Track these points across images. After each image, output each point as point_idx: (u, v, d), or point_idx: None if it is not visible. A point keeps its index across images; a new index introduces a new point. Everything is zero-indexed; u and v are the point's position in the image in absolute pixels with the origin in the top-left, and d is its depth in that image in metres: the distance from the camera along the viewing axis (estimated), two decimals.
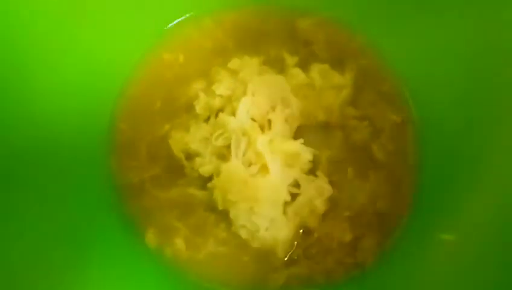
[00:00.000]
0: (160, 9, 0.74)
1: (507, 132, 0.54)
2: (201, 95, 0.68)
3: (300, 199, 0.62)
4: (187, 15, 0.77)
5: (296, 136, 0.64)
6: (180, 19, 0.77)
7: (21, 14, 0.59)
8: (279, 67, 0.71)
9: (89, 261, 0.58)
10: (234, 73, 0.70)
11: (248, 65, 0.70)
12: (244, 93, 0.66)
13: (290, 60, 0.71)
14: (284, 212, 0.61)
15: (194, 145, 0.65)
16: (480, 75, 0.59)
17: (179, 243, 0.64)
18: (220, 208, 0.61)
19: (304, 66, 0.70)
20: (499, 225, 0.51)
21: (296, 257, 0.62)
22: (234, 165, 0.61)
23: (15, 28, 0.59)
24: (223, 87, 0.68)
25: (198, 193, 0.65)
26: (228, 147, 0.63)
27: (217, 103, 0.67)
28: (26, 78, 0.60)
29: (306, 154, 0.62)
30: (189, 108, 0.69)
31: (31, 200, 0.57)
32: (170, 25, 0.77)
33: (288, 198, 0.61)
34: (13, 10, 0.58)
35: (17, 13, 0.59)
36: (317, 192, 0.62)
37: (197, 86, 0.71)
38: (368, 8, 0.72)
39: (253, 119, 0.64)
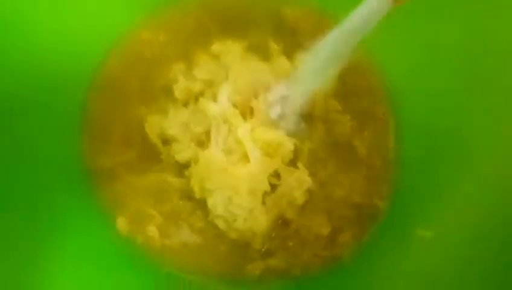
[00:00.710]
0: None
1: (490, 131, 0.55)
2: (181, 79, 0.65)
3: (279, 189, 0.60)
4: None
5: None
6: None
7: None
8: (264, 54, 0.69)
9: (56, 246, 0.55)
10: (216, 57, 0.68)
11: (231, 50, 0.68)
12: (226, 78, 0.63)
13: (275, 48, 0.69)
14: (263, 203, 0.60)
15: (172, 131, 0.63)
16: (469, 72, 0.59)
17: (152, 230, 0.61)
18: (197, 196, 0.60)
19: (288, 55, 0.68)
20: (478, 222, 0.52)
21: (273, 249, 0.61)
22: (213, 153, 0.59)
23: None
24: (204, 71, 0.65)
25: (174, 180, 0.63)
26: (207, 133, 0.61)
27: (197, 87, 0.65)
28: None
29: (288, 145, 0.61)
30: (168, 91, 0.66)
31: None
32: (153, 3, 0.72)
33: (268, 188, 0.60)
34: None
35: None
36: (297, 183, 0.61)
37: (177, 68, 0.68)
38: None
39: (234, 106, 0.62)
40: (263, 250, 0.61)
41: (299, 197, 0.61)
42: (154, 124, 0.64)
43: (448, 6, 0.61)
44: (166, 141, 0.63)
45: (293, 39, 0.71)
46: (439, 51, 0.63)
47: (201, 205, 0.60)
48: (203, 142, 0.61)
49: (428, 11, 0.63)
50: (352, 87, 0.69)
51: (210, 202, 0.59)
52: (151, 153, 0.64)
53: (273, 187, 0.61)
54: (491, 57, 0.58)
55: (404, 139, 0.66)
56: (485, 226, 0.51)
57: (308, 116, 0.65)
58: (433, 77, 0.64)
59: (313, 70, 0.65)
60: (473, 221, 0.52)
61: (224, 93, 0.62)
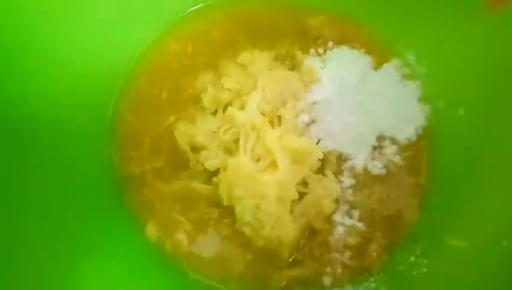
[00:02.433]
0: None
1: None
2: (209, 88, 0.66)
3: (307, 198, 0.60)
4: (198, 6, 0.76)
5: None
6: (190, 9, 0.76)
7: None
8: (291, 63, 0.70)
9: (88, 251, 0.56)
10: (243, 67, 0.69)
11: (258, 60, 0.69)
12: (254, 87, 0.64)
13: (301, 56, 0.70)
14: (291, 211, 0.59)
15: (200, 138, 0.63)
16: (498, 85, 0.59)
17: (180, 237, 0.62)
18: (225, 203, 0.60)
19: (314, 62, 0.69)
20: (508, 233, 0.50)
21: (300, 258, 0.60)
22: (242, 160, 0.59)
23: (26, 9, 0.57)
24: (231, 80, 0.66)
25: (202, 187, 0.63)
26: (236, 141, 0.62)
27: (225, 96, 0.66)
28: (29, 65, 0.58)
29: (316, 153, 0.61)
30: (196, 100, 0.68)
31: (32, 190, 0.55)
32: (180, 15, 0.75)
33: (296, 196, 0.59)
34: None
35: None
36: (325, 192, 0.60)
37: (205, 78, 0.70)
38: (378, 3, 0.72)
39: (263, 114, 0.62)
40: (290, 259, 0.60)
41: (328, 206, 0.60)
42: (184, 132, 0.65)
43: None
44: (195, 148, 0.64)
45: (317, 46, 0.71)
46: (472, 61, 0.63)
47: (229, 212, 0.60)
48: (231, 149, 0.62)
49: (462, 22, 0.63)
50: None
51: (238, 209, 0.59)
52: (179, 161, 0.65)
53: (301, 195, 0.60)
54: None
55: (436, 155, 0.65)
56: None
57: None
58: (467, 89, 0.64)
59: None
60: (504, 232, 0.51)
61: (254, 102, 0.62)
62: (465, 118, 0.64)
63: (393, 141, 0.65)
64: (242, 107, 0.63)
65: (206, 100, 0.66)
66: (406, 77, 0.69)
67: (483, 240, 0.53)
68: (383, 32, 0.72)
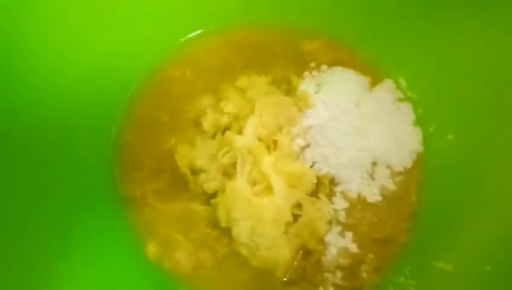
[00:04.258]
0: (168, 26, 0.76)
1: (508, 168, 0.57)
2: (209, 112, 0.69)
3: (302, 220, 0.63)
4: (195, 33, 0.79)
5: None
6: (188, 36, 0.79)
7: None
8: (287, 87, 0.73)
9: (89, 271, 0.59)
10: (242, 91, 0.71)
11: (256, 84, 0.72)
12: (252, 112, 0.67)
13: (297, 80, 0.73)
14: (286, 233, 0.62)
15: (200, 161, 0.66)
16: (495, 114, 0.61)
17: (180, 256, 0.64)
18: (223, 225, 0.62)
19: (309, 85, 0.71)
20: (496, 256, 0.53)
21: (295, 278, 0.62)
22: (239, 183, 0.62)
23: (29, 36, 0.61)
24: (231, 104, 0.69)
25: (201, 209, 0.66)
26: (234, 165, 0.64)
27: (224, 120, 0.68)
28: (33, 89, 0.61)
29: (310, 177, 0.63)
30: (196, 123, 0.71)
31: (32, 206, 0.58)
32: (179, 41, 0.78)
33: (291, 219, 0.62)
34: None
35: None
36: (318, 214, 0.63)
37: (205, 102, 0.72)
38: (371, 28, 0.75)
39: (259, 139, 0.65)
40: (285, 279, 0.62)
41: (321, 227, 0.63)
42: (184, 155, 0.68)
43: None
44: (195, 171, 0.67)
45: (311, 69, 0.74)
46: (466, 83, 0.66)
47: (227, 233, 0.63)
48: (229, 173, 0.64)
49: (455, 43, 0.66)
50: None
51: (235, 231, 0.61)
52: (179, 183, 0.67)
53: (296, 217, 0.63)
54: None
55: (427, 179, 0.67)
56: (505, 261, 0.51)
57: None
58: (457, 114, 0.66)
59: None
60: (492, 255, 0.53)
61: (250, 127, 0.65)
62: (454, 143, 0.66)
63: (387, 166, 0.67)
64: (240, 131, 0.66)
65: (206, 124, 0.69)
66: (400, 99, 0.72)
67: (469, 264, 0.55)
68: (376, 57, 0.75)
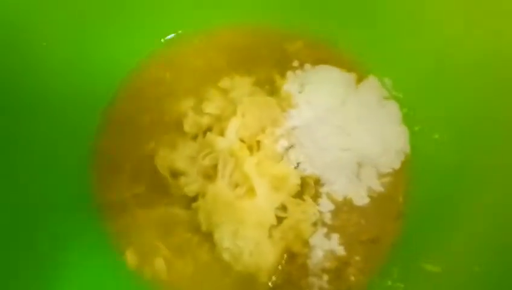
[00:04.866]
0: (150, 26, 0.75)
1: (496, 170, 0.56)
2: (190, 113, 0.68)
3: (286, 222, 0.61)
4: (177, 32, 0.78)
5: None
6: (170, 36, 0.77)
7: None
8: (270, 88, 0.72)
9: (64, 278, 0.56)
10: (224, 92, 0.70)
11: (239, 85, 0.70)
12: (234, 113, 0.65)
13: (280, 81, 0.71)
14: (270, 236, 0.60)
15: (180, 164, 0.64)
16: (481, 113, 0.60)
17: (160, 263, 0.61)
18: (204, 229, 0.60)
19: (292, 86, 0.70)
20: (485, 256, 0.51)
21: (280, 282, 0.60)
22: (220, 186, 0.60)
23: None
24: (212, 106, 0.68)
25: (182, 213, 0.63)
26: (215, 167, 0.62)
27: (205, 121, 0.67)
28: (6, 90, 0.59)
29: (294, 178, 0.62)
30: (178, 125, 0.69)
31: (2, 214, 0.55)
32: (161, 41, 0.77)
33: (275, 222, 0.60)
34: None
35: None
36: (303, 216, 0.61)
37: (186, 103, 0.71)
38: (355, 28, 0.74)
39: (241, 140, 0.63)
40: (270, 284, 0.60)
41: (306, 230, 0.61)
42: (164, 158, 0.65)
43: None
44: (175, 173, 0.65)
45: (295, 69, 0.73)
46: (449, 79, 0.65)
47: (208, 237, 0.61)
48: (210, 175, 0.62)
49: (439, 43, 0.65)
50: None
51: (216, 235, 0.59)
52: (160, 187, 0.65)
53: (280, 220, 0.61)
54: None
55: (414, 180, 0.66)
56: (492, 264, 0.50)
57: None
58: (444, 118, 0.65)
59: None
60: (479, 257, 0.52)
61: (232, 128, 0.63)
62: (440, 142, 0.65)
63: (374, 166, 0.66)
64: (222, 133, 0.64)
65: (187, 125, 0.67)
66: (385, 98, 0.71)
67: (457, 265, 0.53)
68: (360, 56, 0.74)
